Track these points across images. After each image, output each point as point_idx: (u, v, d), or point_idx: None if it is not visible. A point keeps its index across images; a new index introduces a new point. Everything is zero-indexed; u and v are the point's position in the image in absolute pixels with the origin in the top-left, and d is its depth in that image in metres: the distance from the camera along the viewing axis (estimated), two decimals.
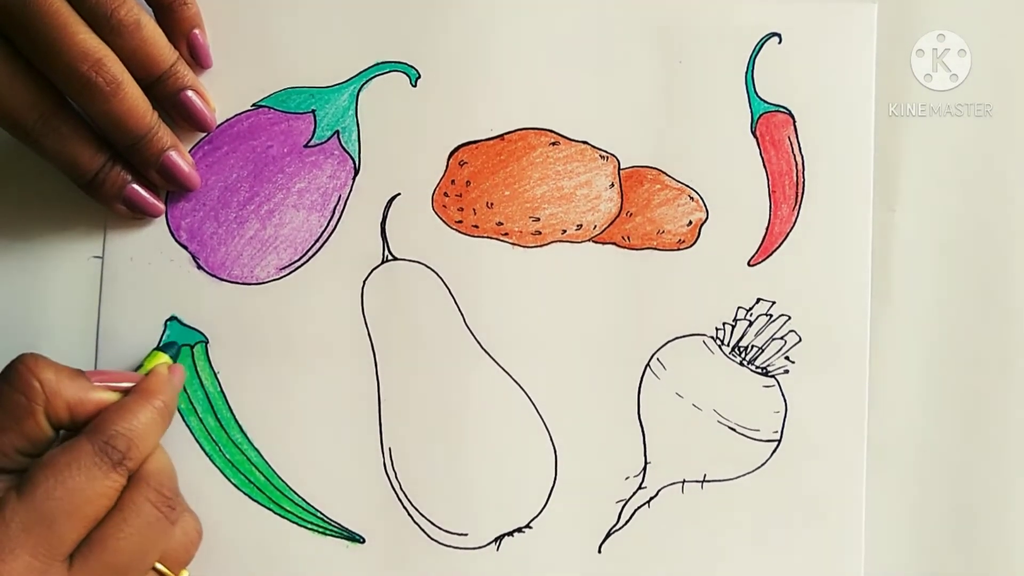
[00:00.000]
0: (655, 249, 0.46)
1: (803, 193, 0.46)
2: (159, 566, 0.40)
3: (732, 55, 0.46)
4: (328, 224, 0.45)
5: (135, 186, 0.43)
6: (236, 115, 0.45)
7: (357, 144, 0.45)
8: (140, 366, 0.43)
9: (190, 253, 0.45)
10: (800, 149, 0.46)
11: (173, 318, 0.44)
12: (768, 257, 0.46)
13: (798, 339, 0.46)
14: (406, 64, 0.46)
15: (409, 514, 0.45)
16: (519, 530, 0.45)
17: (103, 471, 0.37)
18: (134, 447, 0.38)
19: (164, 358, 0.43)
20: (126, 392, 0.40)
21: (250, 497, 0.44)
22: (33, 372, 0.38)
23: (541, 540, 0.45)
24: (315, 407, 0.45)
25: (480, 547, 0.45)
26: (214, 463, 0.44)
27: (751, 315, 0.46)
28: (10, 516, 0.36)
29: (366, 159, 0.45)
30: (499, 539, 0.45)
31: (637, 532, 0.45)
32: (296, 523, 0.44)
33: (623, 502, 0.45)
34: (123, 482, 0.38)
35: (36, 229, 0.45)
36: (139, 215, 0.44)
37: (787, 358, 0.46)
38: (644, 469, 0.45)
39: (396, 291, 0.45)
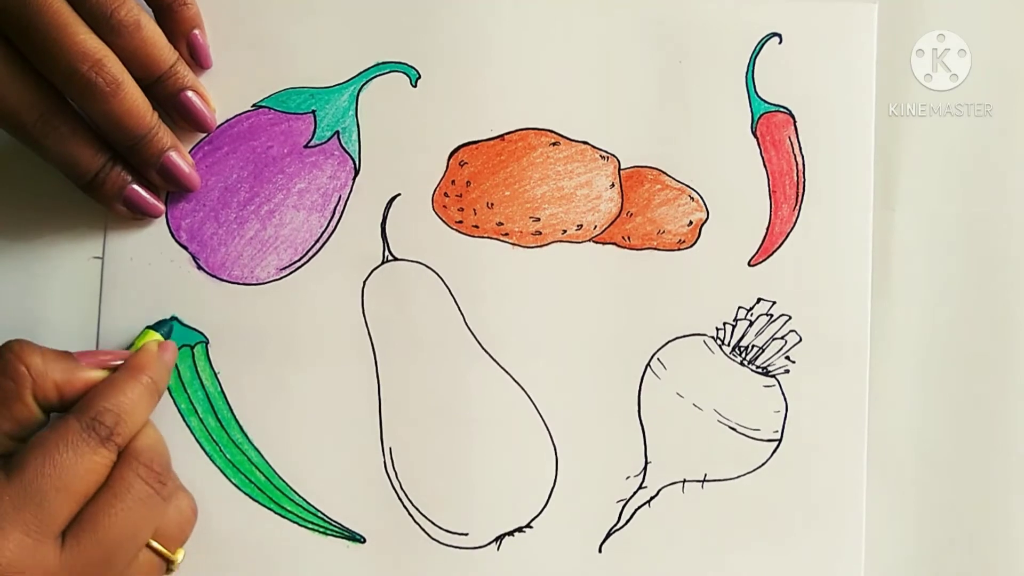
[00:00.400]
0: (655, 249, 0.46)
1: (803, 193, 0.46)
2: (154, 544, 0.40)
3: (732, 55, 0.46)
4: (328, 224, 0.45)
5: (135, 187, 0.43)
6: (236, 115, 0.45)
7: (357, 144, 0.45)
8: (131, 344, 0.43)
9: (190, 253, 0.45)
10: (800, 149, 0.46)
11: (173, 318, 0.44)
12: (768, 257, 0.46)
13: (798, 339, 0.46)
14: (406, 64, 0.45)
15: (409, 514, 0.45)
16: (519, 530, 0.45)
17: (91, 447, 0.37)
18: (122, 422, 0.38)
19: (155, 336, 0.43)
20: (115, 370, 0.41)
21: (250, 497, 0.44)
22: (20, 357, 0.38)
23: (541, 540, 0.45)
24: (315, 407, 0.45)
25: (480, 547, 0.45)
26: (214, 463, 0.44)
27: (751, 315, 0.46)
28: (0, 495, 0.36)
29: (366, 159, 0.45)
30: (499, 539, 0.45)
31: (638, 532, 0.45)
32: (297, 523, 0.44)
33: (623, 502, 0.45)
34: (112, 458, 0.38)
35: (36, 229, 0.45)
36: (139, 216, 0.44)
37: (787, 358, 0.46)
38: (644, 469, 0.45)
39: (396, 291, 0.45)
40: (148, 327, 0.43)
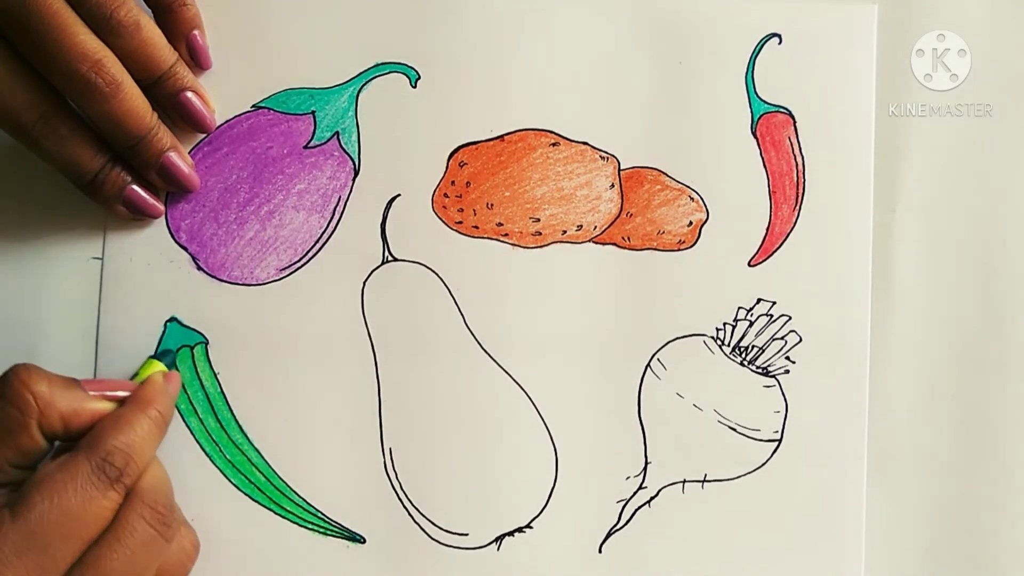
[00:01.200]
0: (655, 250, 0.46)
1: (803, 193, 0.46)
2: None
3: (732, 55, 0.46)
4: (328, 225, 0.45)
5: (135, 187, 0.43)
6: (236, 116, 0.45)
7: (357, 145, 0.45)
8: (136, 375, 0.42)
9: (190, 254, 0.45)
10: (800, 149, 0.46)
11: (173, 319, 0.44)
12: (768, 257, 0.46)
13: (798, 339, 0.46)
14: (406, 65, 0.45)
15: (409, 514, 0.45)
16: (519, 530, 0.45)
17: (100, 490, 0.37)
18: (132, 462, 0.38)
19: (159, 366, 0.42)
20: (121, 401, 0.40)
21: (250, 497, 0.44)
22: (26, 385, 0.37)
23: (541, 540, 0.45)
24: (315, 408, 0.45)
25: (480, 547, 0.45)
26: (214, 464, 0.44)
27: (751, 315, 0.46)
28: (2, 538, 0.35)
29: (366, 160, 0.45)
30: (499, 539, 0.45)
31: (637, 532, 0.45)
32: (296, 523, 0.44)
33: (624, 502, 0.45)
34: (120, 500, 0.37)
35: (36, 230, 0.45)
36: (139, 216, 0.44)
37: (787, 358, 0.46)
38: (645, 469, 0.45)
39: (396, 292, 0.45)
40: (151, 357, 0.43)
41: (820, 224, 0.46)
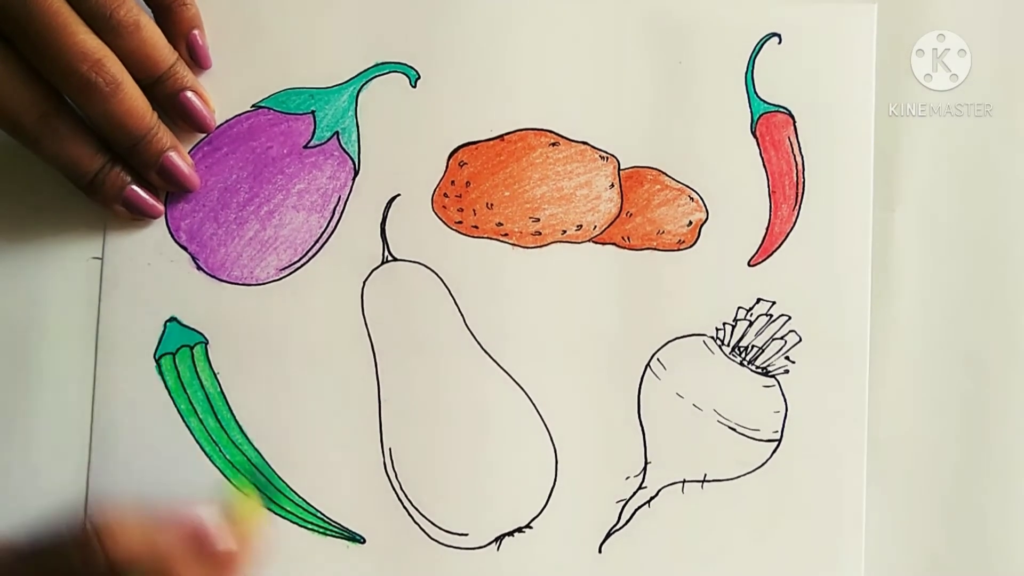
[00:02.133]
0: (655, 249, 0.46)
1: (803, 193, 0.46)
2: None
3: (732, 55, 0.46)
4: (328, 225, 0.45)
5: (135, 187, 0.43)
6: (236, 116, 0.45)
7: (357, 145, 0.45)
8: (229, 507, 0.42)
9: (190, 254, 0.45)
10: (800, 149, 0.46)
11: (173, 319, 0.44)
12: (768, 257, 0.46)
13: (798, 339, 0.46)
14: (406, 65, 0.46)
15: (409, 514, 0.45)
16: (519, 530, 0.45)
17: None
18: None
19: (262, 512, 0.43)
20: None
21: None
22: None
23: (541, 540, 0.45)
24: (315, 408, 0.45)
25: (480, 547, 0.45)
26: (214, 464, 0.44)
27: (751, 315, 0.46)
28: None
29: (366, 160, 0.45)
30: (499, 539, 0.45)
31: (637, 532, 0.45)
32: (296, 523, 0.44)
33: (623, 502, 0.45)
34: None
35: (36, 230, 0.45)
36: (139, 216, 0.44)
37: (787, 358, 0.46)
38: (644, 469, 0.45)
39: (396, 292, 0.45)
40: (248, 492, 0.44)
41: (820, 224, 0.46)
